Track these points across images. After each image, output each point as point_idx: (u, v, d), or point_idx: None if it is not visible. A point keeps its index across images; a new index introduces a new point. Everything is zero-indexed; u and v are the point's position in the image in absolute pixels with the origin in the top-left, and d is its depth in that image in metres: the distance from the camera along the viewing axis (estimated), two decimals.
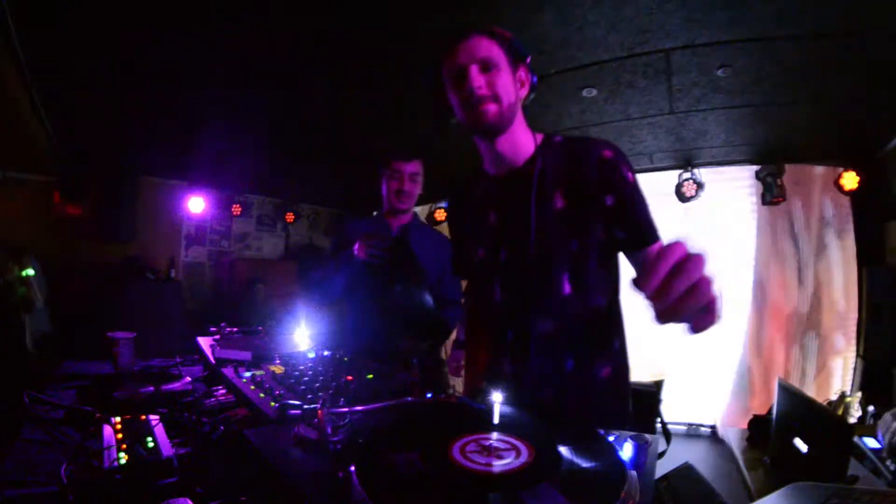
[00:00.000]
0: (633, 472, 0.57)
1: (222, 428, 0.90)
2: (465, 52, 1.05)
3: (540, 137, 1.14)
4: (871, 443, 2.08)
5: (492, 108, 1.04)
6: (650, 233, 1.04)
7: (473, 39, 1.05)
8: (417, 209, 5.93)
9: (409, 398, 0.86)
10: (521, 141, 1.12)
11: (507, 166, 1.13)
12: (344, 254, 1.82)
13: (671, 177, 3.96)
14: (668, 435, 1.42)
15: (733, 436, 2.37)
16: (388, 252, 1.75)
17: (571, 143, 1.10)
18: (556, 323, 1.06)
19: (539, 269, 1.06)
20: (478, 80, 1.03)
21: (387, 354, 1.46)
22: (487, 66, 1.04)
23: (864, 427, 2.64)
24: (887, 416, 2.15)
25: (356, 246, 1.75)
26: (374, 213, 2.13)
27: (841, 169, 3.49)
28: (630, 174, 1.04)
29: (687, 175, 3.91)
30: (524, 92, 1.11)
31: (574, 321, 1.06)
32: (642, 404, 1.81)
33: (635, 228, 1.04)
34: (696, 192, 3.90)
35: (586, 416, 1.02)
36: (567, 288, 1.05)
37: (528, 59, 1.10)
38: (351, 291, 1.91)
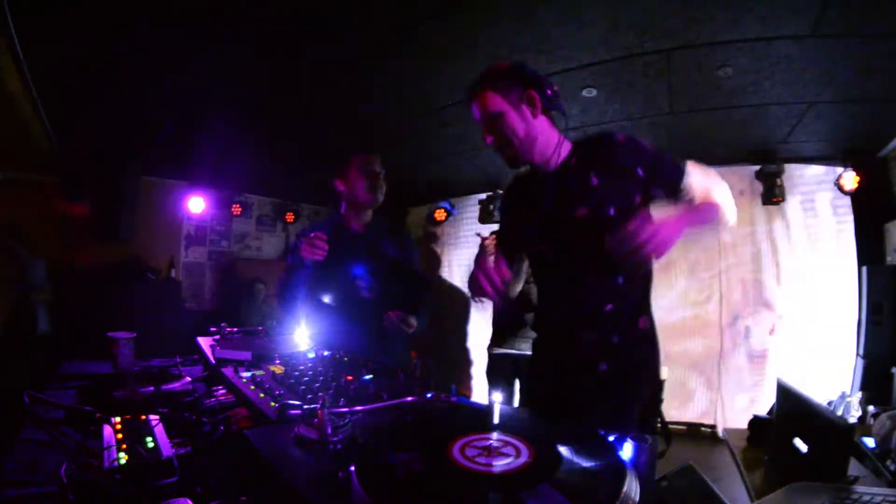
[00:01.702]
0: (633, 472, 0.57)
1: (222, 428, 0.90)
2: (476, 111, 1.30)
3: (568, 144, 1.35)
4: (871, 443, 2.08)
5: (509, 151, 1.30)
6: (679, 175, 1.28)
7: (478, 99, 1.29)
8: (417, 209, 5.96)
9: (409, 398, 0.86)
10: (551, 146, 1.32)
11: (546, 166, 1.34)
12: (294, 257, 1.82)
13: None
14: (668, 435, 1.42)
15: (733, 436, 2.37)
16: (328, 249, 1.74)
17: (591, 140, 1.33)
18: (598, 276, 1.28)
19: (584, 232, 1.27)
20: (489, 134, 1.29)
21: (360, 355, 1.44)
22: (493, 119, 1.27)
23: (864, 427, 2.64)
24: (883, 417, 2.15)
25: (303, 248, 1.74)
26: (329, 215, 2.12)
27: (841, 169, 3.49)
28: (644, 143, 1.28)
29: None
30: (538, 109, 1.28)
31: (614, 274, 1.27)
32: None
33: (667, 183, 1.28)
34: None
35: (623, 360, 1.27)
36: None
37: (533, 79, 1.28)
38: (315, 292, 1.90)
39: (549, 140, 1.32)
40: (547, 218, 1.35)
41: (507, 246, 1.52)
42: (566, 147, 1.34)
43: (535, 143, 1.29)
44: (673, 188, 1.28)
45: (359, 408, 0.78)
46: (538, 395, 1.46)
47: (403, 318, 1.84)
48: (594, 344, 1.29)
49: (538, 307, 1.60)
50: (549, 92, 1.29)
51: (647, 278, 1.35)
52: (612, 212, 1.25)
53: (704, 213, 1.27)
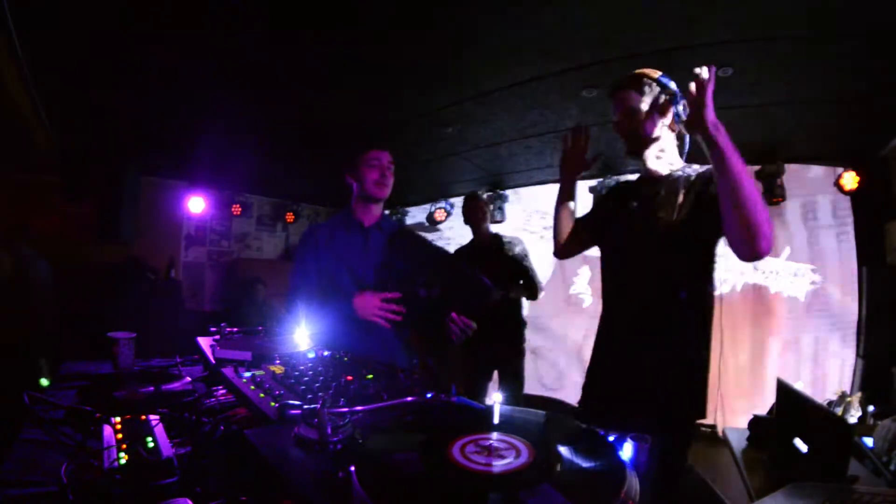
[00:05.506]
0: (633, 472, 0.57)
1: (222, 428, 0.90)
2: (616, 100, 1.57)
3: (681, 161, 1.56)
4: (871, 443, 2.08)
5: (629, 140, 1.54)
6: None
7: (620, 94, 1.55)
8: (416, 209, 5.95)
9: (410, 398, 0.86)
10: (665, 152, 1.54)
11: (650, 175, 1.56)
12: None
13: None
14: None
15: (733, 436, 2.37)
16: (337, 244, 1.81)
17: (703, 170, 1.48)
18: (658, 288, 1.42)
19: (660, 247, 1.43)
20: (619, 122, 1.55)
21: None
22: (628, 113, 1.52)
23: (864, 427, 2.64)
24: (886, 422, 2.14)
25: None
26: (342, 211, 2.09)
27: (841, 169, 3.49)
28: None
29: None
30: (667, 118, 1.50)
31: (670, 289, 1.41)
32: None
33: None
34: None
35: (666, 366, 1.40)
36: (670, 265, 1.42)
37: (670, 93, 1.50)
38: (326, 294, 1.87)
39: (665, 146, 1.53)
40: (635, 217, 1.55)
41: (586, 229, 1.75)
42: (678, 161, 1.55)
43: (651, 143, 1.52)
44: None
45: (359, 408, 0.78)
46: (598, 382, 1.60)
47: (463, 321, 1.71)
48: (643, 348, 1.43)
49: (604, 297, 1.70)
50: (683, 106, 1.46)
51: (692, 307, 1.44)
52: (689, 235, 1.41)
53: (748, 180, 1.34)
